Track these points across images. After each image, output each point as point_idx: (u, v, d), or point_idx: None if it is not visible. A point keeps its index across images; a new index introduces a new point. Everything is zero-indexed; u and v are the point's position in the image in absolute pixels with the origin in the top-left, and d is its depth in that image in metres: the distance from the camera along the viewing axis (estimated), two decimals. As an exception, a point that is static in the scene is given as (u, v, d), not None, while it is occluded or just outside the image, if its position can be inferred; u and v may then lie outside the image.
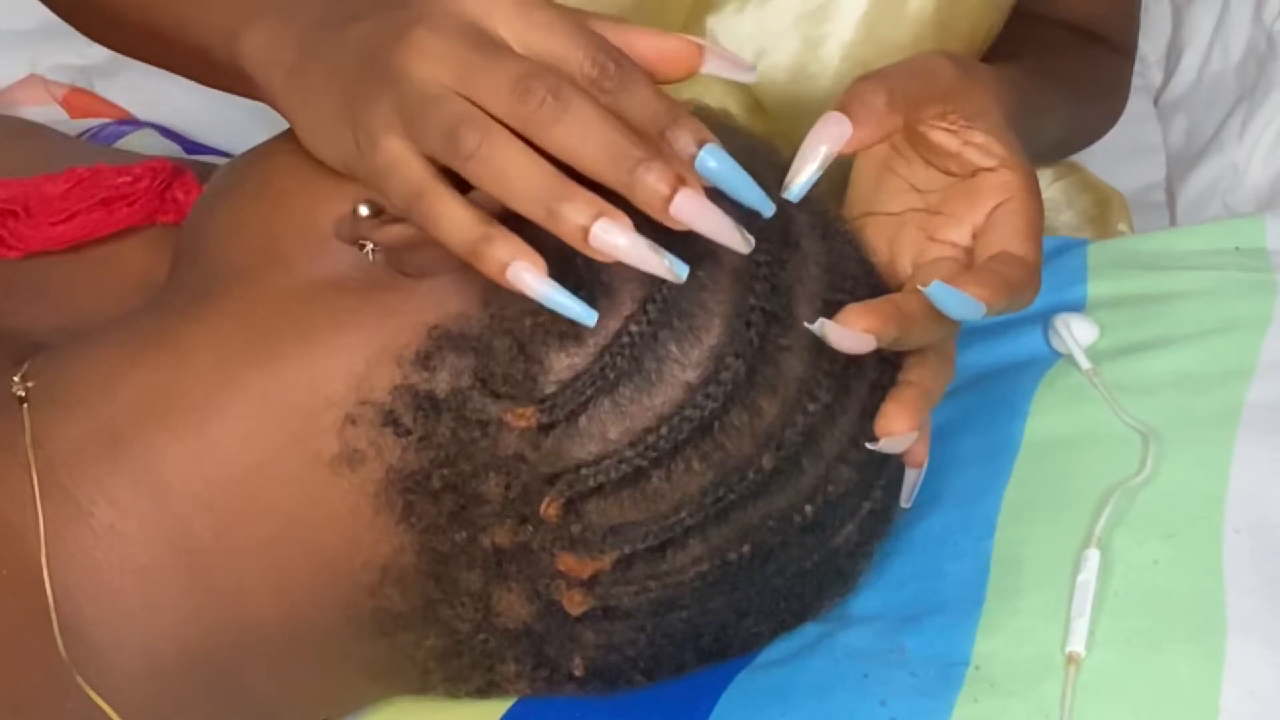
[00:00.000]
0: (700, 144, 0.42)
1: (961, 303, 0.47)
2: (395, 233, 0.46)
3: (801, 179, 0.48)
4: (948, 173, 0.54)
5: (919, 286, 0.47)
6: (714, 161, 0.43)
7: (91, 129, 0.98)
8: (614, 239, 0.42)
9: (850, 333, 0.46)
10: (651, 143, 0.42)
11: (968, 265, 0.52)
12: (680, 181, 0.41)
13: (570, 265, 0.44)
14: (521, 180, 0.42)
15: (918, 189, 0.54)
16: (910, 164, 0.54)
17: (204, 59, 0.53)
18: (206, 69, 0.55)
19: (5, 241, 0.64)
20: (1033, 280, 0.50)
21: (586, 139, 0.41)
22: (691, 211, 0.42)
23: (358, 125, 0.45)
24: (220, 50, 0.51)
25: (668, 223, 0.42)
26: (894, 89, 0.51)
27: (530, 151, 0.42)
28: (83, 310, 0.63)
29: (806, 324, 0.46)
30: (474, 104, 0.42)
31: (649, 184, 0.41)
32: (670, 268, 0.43)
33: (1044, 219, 0.53)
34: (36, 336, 0.60)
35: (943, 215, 0.53)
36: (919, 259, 0.53)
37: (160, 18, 0.56)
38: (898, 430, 0.48)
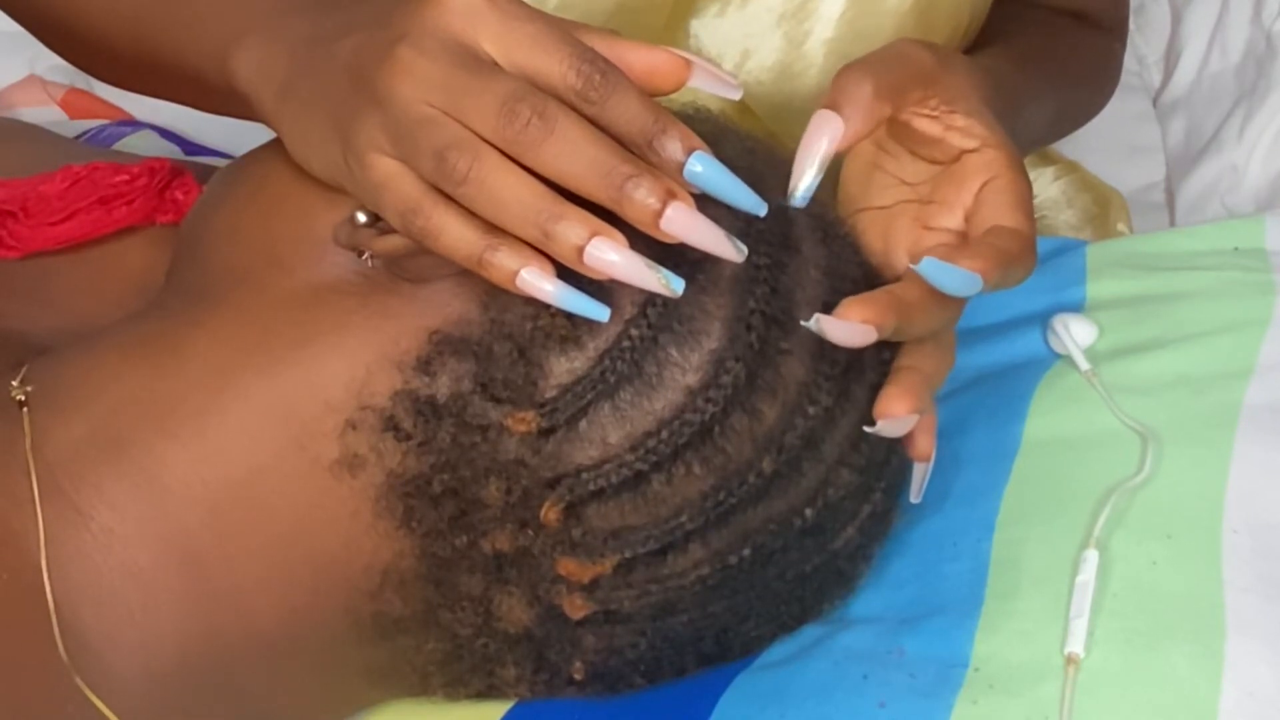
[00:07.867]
0: (689, 151, 0.42)
1: (956, 277, 0.47)
2: (393, 242, 0.46)
3: (804, 184, 0.48)
4: (933, 162, 0.53)
5: (910, 265, 0.47)
6: (703, 167, 0.42)
7: (90, 130, 0.97)
8: (609, 257, 0.42)
9: (848, 325, 0.46)
10: (640, 154, 0.42)
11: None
12: (670, 195, 0.42)
13: (570, 268, 0.44)
14: (514, 203, 0.42)
15: (906, 182, 0.54)
16: (897, 159, 0.54)
17: (198, 82, 0.53)
18: (201, 92, 0.54)
19: (4, 242, 0.64)
20: (1028, 250, 0.50)
21: (574, 158, 0.42)
22: (682, 225, 0.42)
23: (346, 144, 0.45)
24: (214, 72, 0.51)
25: (660, 237, 0.42)
26: (878, 77, 0.51)
27: (521, 173, 0.42)
28: (82, 311, 0.63)
29: (803, 321, 0.46)
30: (462, 125, 0.42)
31: (638, 200, 0.41)
32: (666, 283, 0.43)
33: (1032, 192, 0.52)
34: (36, 338, 0.60)
35: (934, 204, 0.53)
36: (914, 249, 0.53)
37: (153, 46, 0.55)
38: (897, 411, 0.48)
